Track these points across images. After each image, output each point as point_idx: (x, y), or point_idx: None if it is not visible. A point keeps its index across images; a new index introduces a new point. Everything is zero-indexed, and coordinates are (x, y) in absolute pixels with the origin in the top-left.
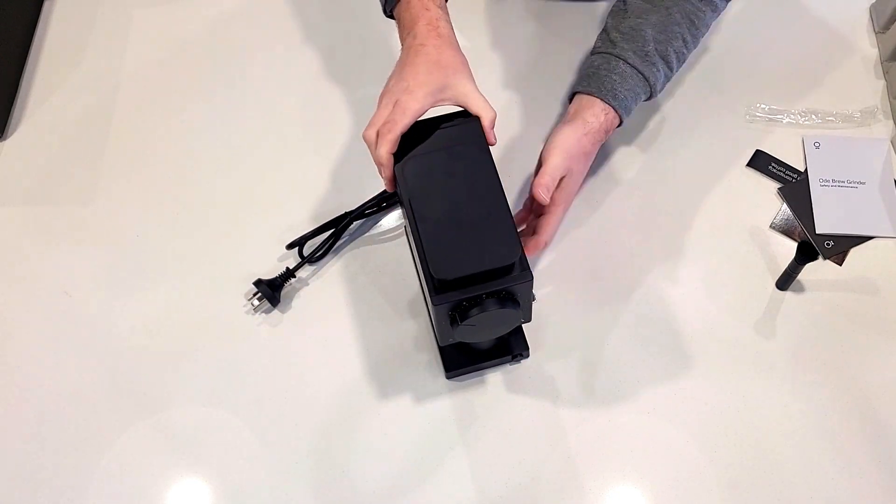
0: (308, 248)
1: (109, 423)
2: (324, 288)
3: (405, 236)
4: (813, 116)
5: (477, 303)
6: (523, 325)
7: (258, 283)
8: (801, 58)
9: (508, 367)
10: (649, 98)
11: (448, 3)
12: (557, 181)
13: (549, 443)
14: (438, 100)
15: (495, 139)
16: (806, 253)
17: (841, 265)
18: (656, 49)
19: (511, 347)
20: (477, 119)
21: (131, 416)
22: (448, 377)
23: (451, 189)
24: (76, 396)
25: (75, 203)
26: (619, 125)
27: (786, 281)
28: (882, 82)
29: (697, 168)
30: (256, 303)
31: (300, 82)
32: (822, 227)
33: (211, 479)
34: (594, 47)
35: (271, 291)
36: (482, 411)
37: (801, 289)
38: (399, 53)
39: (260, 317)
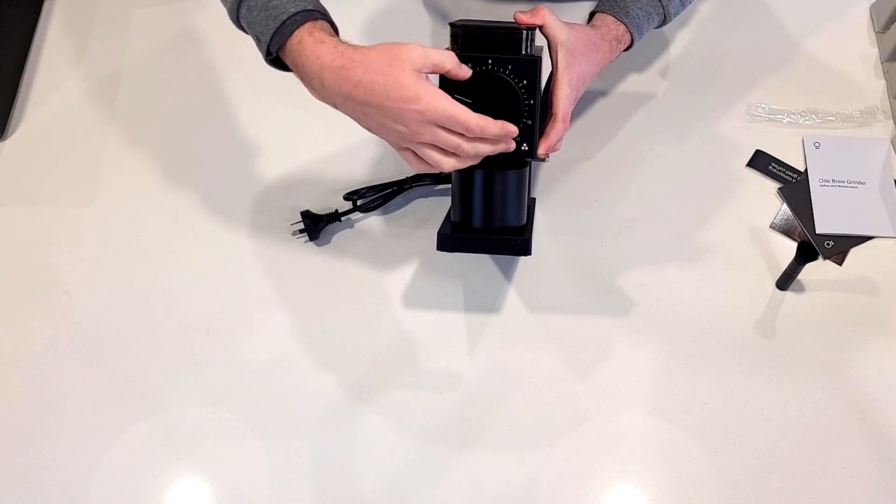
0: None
1: (109, 423)
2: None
3: None
4: (813, 116)
5: (480, 63)
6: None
7: (305, 213)
8: (801, 58)
9: (508, 368)
10: (662, 24)
11: (445, 7)
12: (549, 28)
13: (549, 443)
14: (423, 66)
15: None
16: (806, 253)
17: (841, 265)
18: None
19: (510, 241)
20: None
21: (131, 416)
22: (440, 248)
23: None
24: (76, 396)
25: (75, 203)
26: (629, 47)
27: (786, 281)
28: (882, 82)
29: (697, 168)
30: (298, 233)
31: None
32: (822, 227)
33: (211, 479)
34: None
35: (313, 225)
36: (482, 412)
37: (801, 289)
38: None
39: (266, 316)
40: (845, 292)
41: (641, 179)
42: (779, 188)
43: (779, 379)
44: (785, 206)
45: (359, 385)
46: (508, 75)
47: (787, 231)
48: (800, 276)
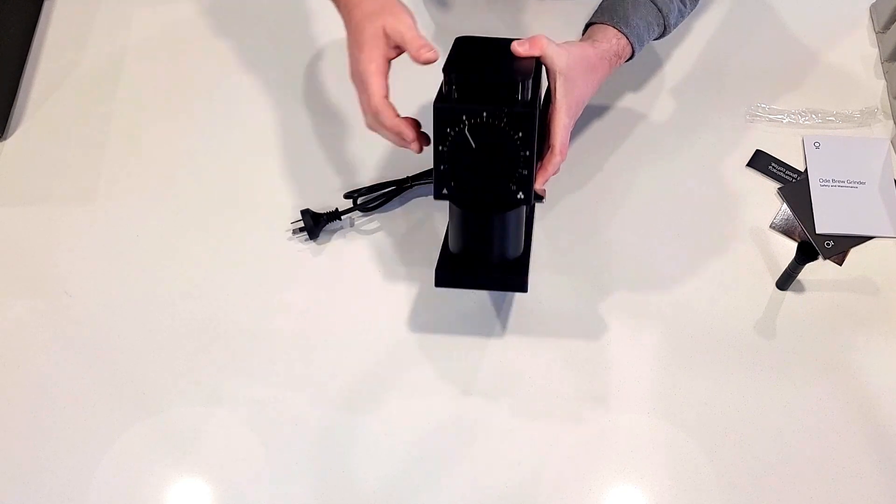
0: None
1: (109, 423)
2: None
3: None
4: (813, 116)
5: (475, 115)
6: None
7: (305, 212)
8: (801, 58)
9: (508, 368)
10: (662, 35)
11: (447, 5)
12: (548, 58)
13: (549, 443)
14: (388, 53)
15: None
16: (806, 253)
17: (841, 265)
18: None
19: (508, 280)
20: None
21: (131, 416)
22: (437, 284)
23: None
24: (76, 396)
25: (75, 203)
26: (630, 58)
27: (786, 281)
28: (882, 82)
29: (697, 168)
30: (297, 232)
31: (304, 78)
32: (822, 227)
33: (211, 479)
34: None
35: (313, 223)
36: (482, 412)
37: (801, 289)
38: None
39: (266, 315)
40: (845, 292)
41: (641, 179)
42: (779, 188)
43: (779, 379)
44: (785, 206)
45: (359, 385)
46: (504, 127)
47: (787, 231)
48: (800, 276)
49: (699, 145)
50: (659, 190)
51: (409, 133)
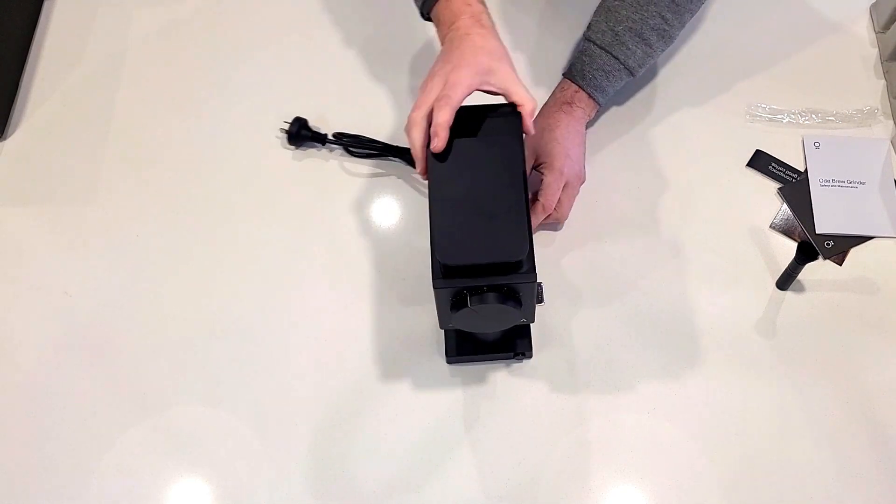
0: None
1: (109, 423)
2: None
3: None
4: (813, 116)
5: (477, 293)
6: (531, 326)
7: (296, 119)
8: (801, 58)
9: (508, 367)
10: (632, 76)
11: None
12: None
13: (549, 443)
14: (484, 81)
15: (533, 130)
16: (806, 253)
17: (841, 265)
18: (630, 28)
19: (515, 345)
20: (518, 113)
21: (131, 416)
22: (448, 362)
23: (474, 176)
24: (76, 396)
25: (75, 203)
26: (599, 105)
27: (786, 281)
28: (882, 82)
29: (697, 168)
30: (284, 131)
31: (301, 80)
32: (822, 227)
33: (211, 479)
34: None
35: (297, 130)
36: (482, 412)
37: (801, 289)
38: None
39: (266, 315)
40: (845, 292)
41: (641, 179)
42: (779, 188)
43: (779, 379)
44: (785, 206)
45: (358, 385)
46: (504, 297)
47: (787, 231)
48: (800, 276)
49: (699, 145)
50: (659, 189)
51: (420, 167)
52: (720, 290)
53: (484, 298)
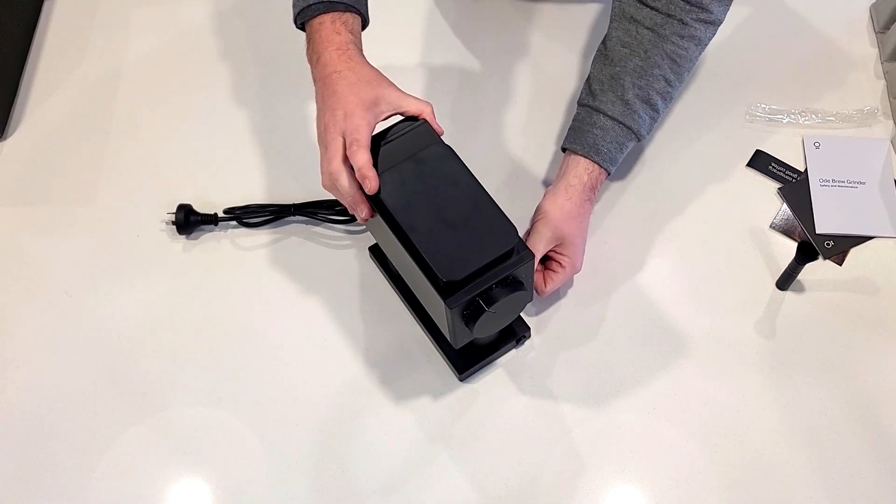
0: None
1: (109, 423)
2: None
3: (369, 254)
4: (813, 116)
5: (488, 294)
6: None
7: (181, 206)
8: (801, 58)
9: (508, 368)
10: (638, 142)
11: (431, 4)
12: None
13: (548, 443)
14: (377, 114)
15: (441, 129)
16: (806, 253)
17: (841, 265)
18: (637, 95)
19: (514, 332)
20: (423, 121)
21: (131, 416)
22: (462, 379)
23: (427, 193)
24: (76, 396)
25: (75, 203)
26: (608, 175)
27: (786, 281)
28: (882, 82)
29: (697, 168)
30: (169, 223)
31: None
32: (822, 227)
33: (211, 479)
34: (579, 98)
35: (184, 219)
36: (482, 412)
37: (801, 289)
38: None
39: (266, 315)
40: (845, 292)
41: (641, 179)
42: (779, 188)
43: (779, 379)
44: (785, 206)
45: (358, 385)
46: (512, 286)
47: (787, 231)
48: (800, 276)
49: (699, 145)
50: (659, 190)
51: (364, 211)
52: (720, 290)
53: (496, 296)
